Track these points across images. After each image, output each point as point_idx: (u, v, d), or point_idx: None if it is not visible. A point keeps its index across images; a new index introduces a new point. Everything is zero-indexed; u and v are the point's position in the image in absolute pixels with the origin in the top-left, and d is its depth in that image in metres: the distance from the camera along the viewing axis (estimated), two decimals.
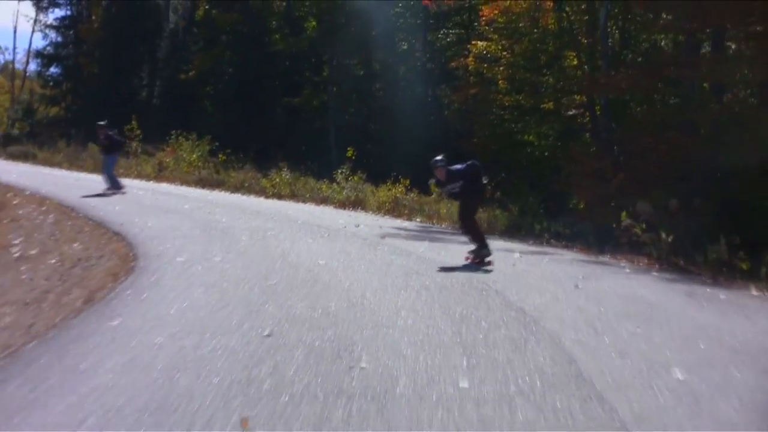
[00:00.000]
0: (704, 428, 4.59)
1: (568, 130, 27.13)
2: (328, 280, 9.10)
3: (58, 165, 33.28)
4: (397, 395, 4.90)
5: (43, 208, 15.66)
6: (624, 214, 14.36)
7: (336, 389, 4.97)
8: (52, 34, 59.95)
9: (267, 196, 22.97)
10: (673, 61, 22.56)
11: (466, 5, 32.58)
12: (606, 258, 13.24)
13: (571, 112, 27.53)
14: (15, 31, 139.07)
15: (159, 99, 50.59)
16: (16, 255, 10.24)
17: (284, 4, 47.01)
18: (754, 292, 10.17)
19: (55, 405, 4.64)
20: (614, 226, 14.59)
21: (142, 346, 5.91)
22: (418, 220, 19.03)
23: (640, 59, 26.04)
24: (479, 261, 11.29)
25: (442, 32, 37.92)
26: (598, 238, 15.13)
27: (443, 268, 10.47)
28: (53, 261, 9.96)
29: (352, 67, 41.40)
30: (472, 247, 11.49)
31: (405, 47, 40.08)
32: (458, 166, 11.85)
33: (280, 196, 22.99)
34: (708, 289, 10.17)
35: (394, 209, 20.09)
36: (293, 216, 17.09)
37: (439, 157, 12.01)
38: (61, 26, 59.20)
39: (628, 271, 11.77)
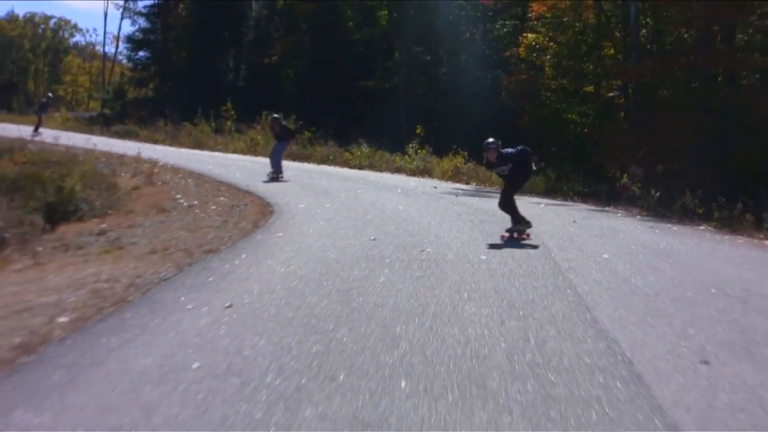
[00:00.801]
0: (611, 277, 8.84)
1: (606, 109, 30.89)
2: (405, 216, 13.50)
3: (161, 142, 35.82)
4: (447, 260, 9.30)
5: (180, 176, 19.98)
6: (625, 175, 18.68)
7: (414, 259, 9.34)
8: (141, 21, 64.70)
9: (350, 167, 27.34)
10: (692, 52, 26.59)
11: (520, 1, 36.32)
12: (609, 208, 17.56)
13: (610, 95, 31.43)
14: (105, 18, 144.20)
15: (244, 81, 53.86)
16: (185, 204, 14.76)
17: None
18: (701, 227, 14.36)
19: (271, 261, 9.15)
20: (617, 184, 18.90)
21: (301, 244, 10.39)
22: (474, 183, 23.33)
23: (664, 49, 29.83)
24: (517, 236, 11.81)
25: (498, 23, 41.43)
26: (609, 194, 19.45)
27: (485, 212, 14.68)
28: (213, 207, 14.44)
29: (420, 54, 44.93)
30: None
31: (467, 36, 43.51)
32: (509, 150, 12.26)
33: (360, 167, 27.28)
34: (668, 225, 14.43)
35: (455, 176, 24.43)
36: (374, 180, 21.53)
37: (491, 140, 12.40)
38: (149, 13, 63.18)
39: (619, 215, 16.08)
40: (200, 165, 22.81)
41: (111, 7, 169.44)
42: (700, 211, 15.59)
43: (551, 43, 31.96)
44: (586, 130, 30.37)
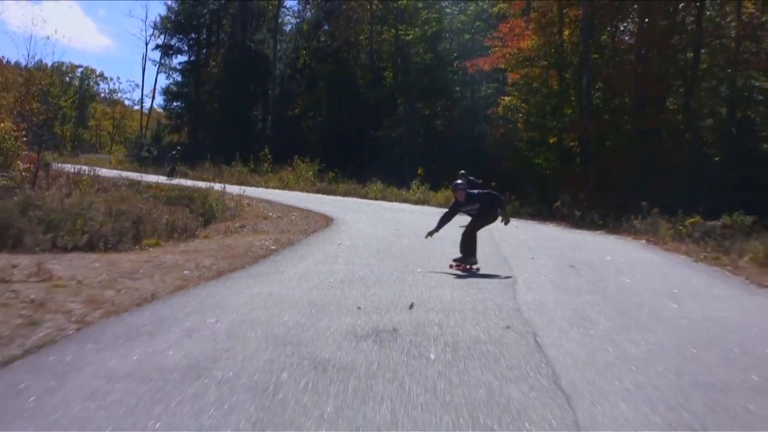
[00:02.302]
0: (521, 244, 16.89)
1: (566, 155, 38.78)
2: (414, 224, 21.58)
3: (211, 180, 39.03)
4: (439, 235, 17.38)
5: (255, 200, 27.82)
6: (559, 201, 27.24)
7: (419, 235, 17.28)
8: (175, 75, 75.96)
9: (368, 199, 35.49)
10: (629, 114, 35.23)
11: (501, 69, 44.51)
12: (546, 223, 25.82)
13: (571, 144, 39.48)
14: (144, 72, 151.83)
15: (271, 130, 62.45)
16: (275, 216, 22.83)
17: (368, 58, 59.83)
18: (598, 232, 22.59)
19: (348, 234, 17.33)
20: (553, 206, 27.45)
21: (358, 229, 18.63)
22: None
23: (612, 110, 38.11)
24: (465, 267, 12.54)
25: (483, 86, 49.96)
26: (549, 214, 27.95)
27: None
28: (294, 217, 22.54)
29: (420, 109, 53.07)
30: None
31: (458, 95, 52.33)
32: (477, 192, 13.17)
33: (375, 198, 35.51)
34: (576, 230, 22.69)
35: (447, 203, 32.50)
36: (388, 206, 30.08)
37: (459, 181, 13.43)
38: (184, 69, 74.07)
39: (550, 226, 24.29)
40: (262, 195, 30.58)
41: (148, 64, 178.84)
42: (600, 222, 23.99)
43: (523, 104, 40.08)
44: (548, 171, 38.32)
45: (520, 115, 40.21)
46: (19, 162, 21.15)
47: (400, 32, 54.92)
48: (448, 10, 53.23)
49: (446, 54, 53.35)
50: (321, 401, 4.97)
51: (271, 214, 22.86)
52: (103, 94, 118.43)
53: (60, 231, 12.88)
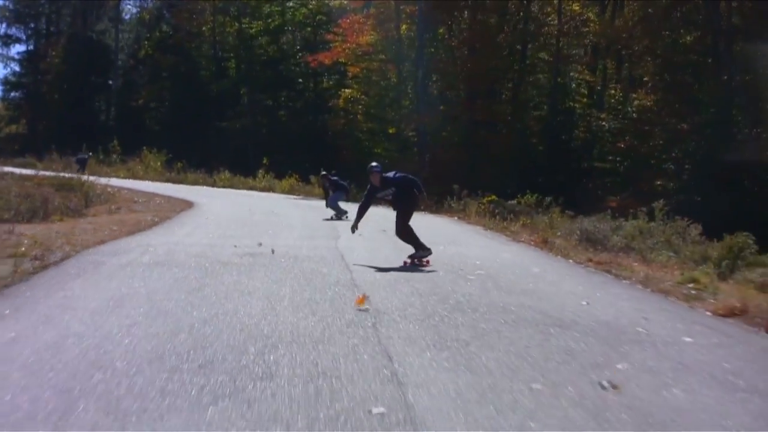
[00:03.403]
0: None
1: (405, 145, 43.70)
2: (262, 206, 25.07)
3: (59, 171, 43.36)
4: (283, 214, 22.19)
5: (117, 188, 32.01)
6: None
7: (270, 213, 21.91)
8: (13, 65, 76.76)
9: (217, 187, 39.60)
10: (464, 105, 40.88)
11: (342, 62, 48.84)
12: (379, 206, 31.10)
13: (410, 134, 44.64)
14: None
15: (114, 121, 65.41)
16: (142, 200, 26.71)
17: (211, 49, 63.27)
18: (423, 212, 27.76)
19: (202, 216, 21.72)
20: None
21: (214, 213, 21.97)
22: (302, 195, 36.09)
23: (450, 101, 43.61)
24: (419, 261, 12.46)
25: (326, 78, 54.50)
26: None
27: (309, 205, 27.55)
28: (158, 201, 26.28)
29: (264, 99, 57.15)
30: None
31: (301, 87, 56.69)
32: (392, 175, 13.07)
33: (224, 187, 39.03)
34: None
35: (291, 191, 36.49)
36: (237, 193, 33.75)
37: (374, 164, 13.30)
38: (22, 59, 75.49)
39: (381, 208, 29.50)
40: (119, 184, 32.61)
41: None
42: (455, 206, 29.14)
43: (363, 96, 44.87)
44: (387, 160, 43.14)
45: (360, 106, 44.88)
46: None
47: (243, 25, 58.45)
48: (290, 4, 56.85)
49: (289, 46, 57.61)
50: (229, 272, 10.31)
51: (137, 199, 26.48)
52: None
53: None
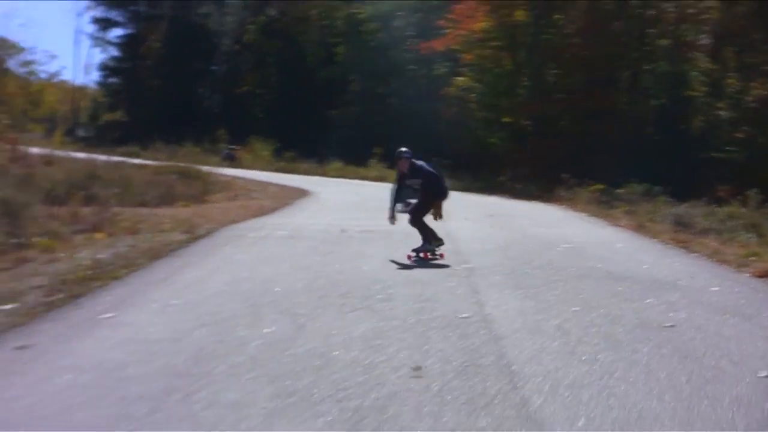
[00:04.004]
0: (474, 206, 24.82)
1: (518, 134, 46.43)
2: (375, 195, 28.59)
3: (164, 160, 42.99)
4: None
5: (231, 177, 35.70)
6: (503, 176, 35.72)
7: (377, 199, 25.52)
8: (111, 49, 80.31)
9: (327, 176, 43.29)
10: (578, 94, 43.62)
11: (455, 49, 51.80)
12: (491, 195, 34.11)
13: (525, 123, 47.38)
14: (77, 45, 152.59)
15: (219, 108, 69.44)
16: (257, 189, 30.69)
17: (319, 35, 66.93)
18: (534, 201, 30.79)
19: (320, 202, 25.42)
20: (498, 180, 35.93)
21: (329, 201, 26.31)
22: None
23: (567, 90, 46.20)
24: (425, 255, 12.94)
25: (438, 65, 56.85)
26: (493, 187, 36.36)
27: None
28: (272, 190, 30.29)
29: (374, 86, 60.26)
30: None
31: (412, 74, 59.43)
32: (422, 164, 13.30)
33: (335, 176, 43.12)
34: (516, 200, 31.00)
35: None
36: (349, 182, 37.94)
37: (404, 149, 13.41)
38: (121, 43, 78.80)
39: (493, 197, 32.40)
40: (231, 173, 37.07)
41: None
42: (536, 193, 32.31)
43: (476, 84, 47.63)
44: (501, 150, 45.25)
45: (474, 95, 47.85)
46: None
47: (352, 10, 62.33)
48: None
49: (400, 32, 60.52)
50: (351, 243, 14.33)
51: (252, 187, 30.30)
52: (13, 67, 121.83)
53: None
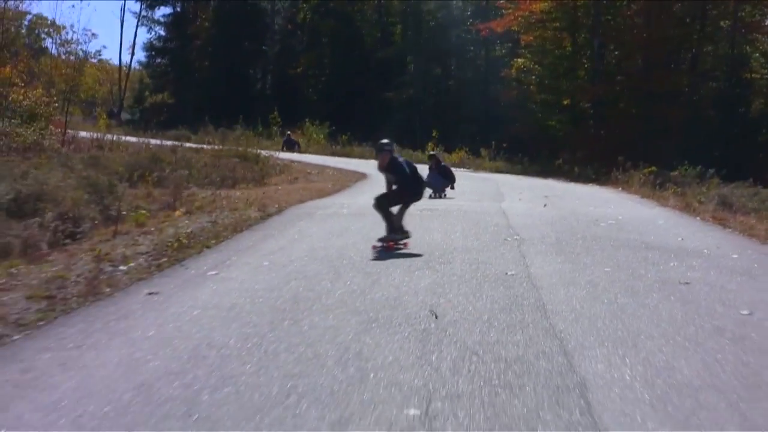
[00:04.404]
0: (528, 187, 26.91)
1: (578, 117, 48.26)
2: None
3: (214, 144, 43.86)
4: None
5: (287, 161, 37.92)
6: (560, 159, 37.79)
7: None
8: (158, 29, 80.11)
9: None
10: (638, 76, 45.60)
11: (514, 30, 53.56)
12: (548, 178, 36.12)
13: (586, 105, 49.25)
14: (122, 25, 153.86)
15: (271, 90, 71.46)
16: (315, 173, 32.89)
17: (375, 14, 69.53)
18: (590, 184, 32.91)
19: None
20: (555, 163, 38.03)
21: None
22: (471, 168, 41.72)
23: (626, 72, 48.30)
24: (389, 244, 12.86)
25: (497, 46, 59.89)
26: (550, 171, 38.45)
27: (480, 177, 33.35)
28: (330, 173, 32.71)
29: (432, 68, 62.64)
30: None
31: (471, 55, 62.28)
32: (402, 161, 13.44)
33: None
34: (572, 182, 33.12)
35: (460, 164, 42.71)
36: None
37: (386, 141, 13.66)
38: (168, 23, 78.72)
39: (551, 180, 34.40)
40: (287, 156, 39.45)
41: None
42: (593, 176, 34.35)
43: (536, 66, 49.88)
44: (561, 133, 47.80)
45: (534, 77, 50.07)
46: (51, 126, 29.52)
47: None
48: None
49: (459, 13, 62.91)
50: (414, 219, 14.85)
51: (310, 171, 32.62)
52: (51, 47, 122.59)
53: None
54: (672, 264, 11.77)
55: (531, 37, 50.09)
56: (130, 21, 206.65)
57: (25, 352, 7.08)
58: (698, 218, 19.36)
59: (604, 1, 46.59)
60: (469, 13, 62.26)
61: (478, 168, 40.70)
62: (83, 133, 33.96)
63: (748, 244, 14.80)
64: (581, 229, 15.59)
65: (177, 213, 16.64)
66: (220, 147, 35.44)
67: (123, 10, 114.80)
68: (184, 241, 12.84)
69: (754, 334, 7.87)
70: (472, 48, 62.20)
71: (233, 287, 9.70)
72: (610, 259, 12.04)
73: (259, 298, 9.04)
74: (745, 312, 8.74)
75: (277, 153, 37.40)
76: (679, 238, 14.79)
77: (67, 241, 13.09)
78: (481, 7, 60.30)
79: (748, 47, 46.27)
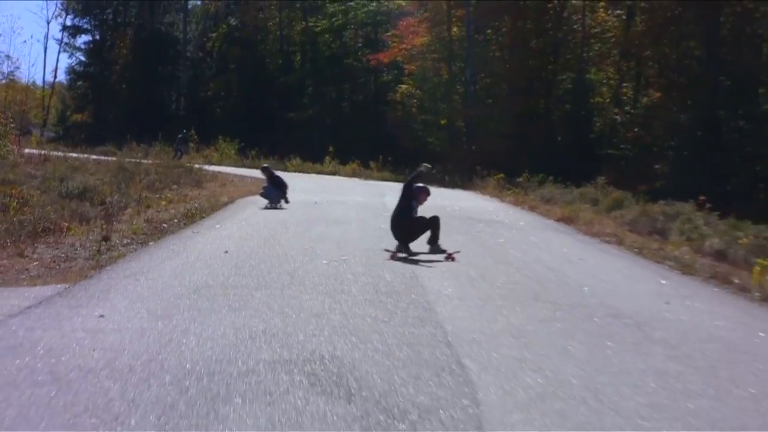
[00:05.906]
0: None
1: (455, 135, 54.87)
2: (330, 185, 37.97)
3: (138, 158, 47.11)
4: (348, 186, 34.68)
5: (212, 173, 44.78)
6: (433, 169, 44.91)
7: (341, 188, 34.60)
8: (78, 55, 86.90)
9: (289, 171, 51.70)
10: (504, 103, 52.91)
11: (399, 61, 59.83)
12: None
13: (461, 125, 56.01)
14: (45, 51, 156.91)
15: (184, 111, 76.59)
16: (235, 181, 39.68)
17: (278, 43, 76.09)
18: (456, 189, 40.02)
19: (291, 189, 34.43)
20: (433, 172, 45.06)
21: (300, 186, 35.08)
22: (362, 178, 48.18)
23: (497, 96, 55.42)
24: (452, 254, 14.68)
25: (385, 73, 66.09)
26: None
27: (366, 183, 40.14)
28: (250, 181, 39.41)
29: (328, 92, 69.87)
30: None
31: (362, 81, 69.45)
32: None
33: (295, 171, 51.12)
34: (441, 188, 40.20)
35: (353, 175, 48.68)
36: (308, 176, 46.33)
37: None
38: (87, 49, 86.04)
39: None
40: (209, 169, 45.35)
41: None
42: (459, 183, 41.35)
43: (417, 91, 56.72)
44: (438, 149, 53.70)
45: (415, 101, 57.21)
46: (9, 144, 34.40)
47: (309, 23, 71.44)
48: (352, 3, 68.40)
49: (352, 43, 70.10)
50: (324, 208, 22.84)
51: (233, 179, 38.59)
52: None
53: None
54: (479, 227, 18.75)
55: (413, 66, 57.40)
56: (53, 47, 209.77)
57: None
58: (518, 207, 26.46)
59: (476, 36, 53.26)
60: (360, 44, 69.63)
61: (367, 177, 46.54)
62: (27, 150, 37.60)
63: (534, 218, 22.09)
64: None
65: (163, 202, 22.85)
66: (158, 161, 40.36)
67: (47, 37, 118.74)
68: (188, 214, 19.82)
69: (505, 245, 15.07)
70: (362, 75, 69.61)
71: (233, 231, 17.14)
72: (444, 225, 18.36)
73: (255, 234, 16.59)
74: (501, 240, 15.87)
75: (205, 165, 42.88)
76: (494, 216, 21.81)
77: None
78: (371, 39, 67.99)
79: (593, 75, 54.01)
